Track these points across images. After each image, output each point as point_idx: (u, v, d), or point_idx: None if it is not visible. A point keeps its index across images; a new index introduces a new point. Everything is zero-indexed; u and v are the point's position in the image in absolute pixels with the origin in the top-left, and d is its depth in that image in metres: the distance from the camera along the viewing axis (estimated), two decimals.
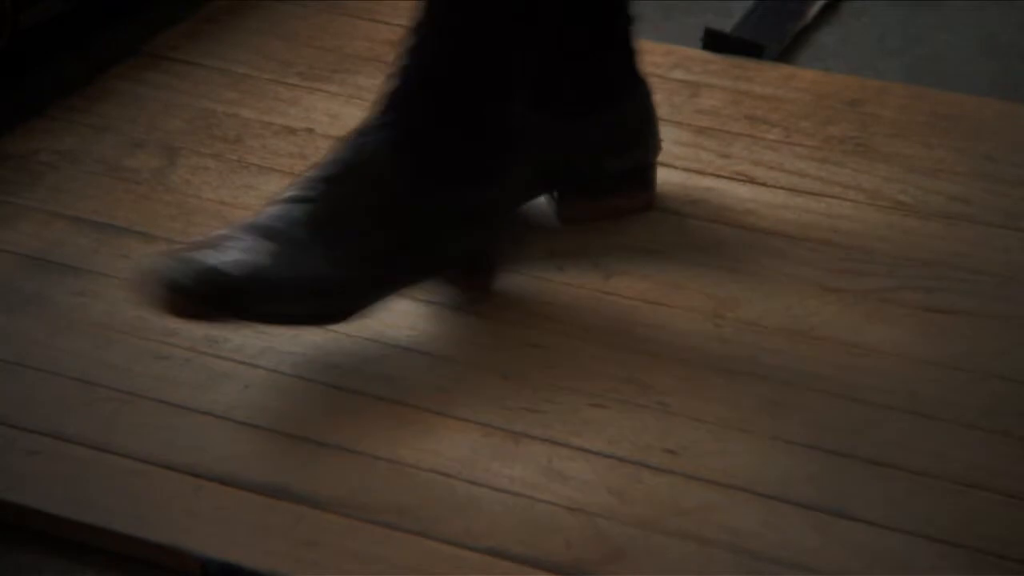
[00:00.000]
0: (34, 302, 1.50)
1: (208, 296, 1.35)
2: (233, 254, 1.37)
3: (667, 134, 1.65)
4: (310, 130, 1.72)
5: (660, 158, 1.62)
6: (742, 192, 1.64)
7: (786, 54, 1.90)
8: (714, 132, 1.72)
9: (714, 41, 1.86)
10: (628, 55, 1.57)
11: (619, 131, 1.57)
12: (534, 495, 1.32)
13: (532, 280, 1.53)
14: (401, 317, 1.48)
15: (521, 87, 1.45)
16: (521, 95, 1.46)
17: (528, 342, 1.47)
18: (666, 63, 1.83)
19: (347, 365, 1.43)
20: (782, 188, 1.66)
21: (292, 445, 1.35)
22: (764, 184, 1.66)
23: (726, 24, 1.91)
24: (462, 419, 1.38)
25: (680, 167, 1.67)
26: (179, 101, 1.76)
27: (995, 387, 1.43)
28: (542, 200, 1.59)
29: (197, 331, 1.46)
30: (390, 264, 1.42)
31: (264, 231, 1.39)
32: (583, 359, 1.44)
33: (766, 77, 1.82)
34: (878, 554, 1.28)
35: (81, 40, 1.80)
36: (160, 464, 1.33)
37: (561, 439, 1.37)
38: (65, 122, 1.72)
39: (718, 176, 1.66)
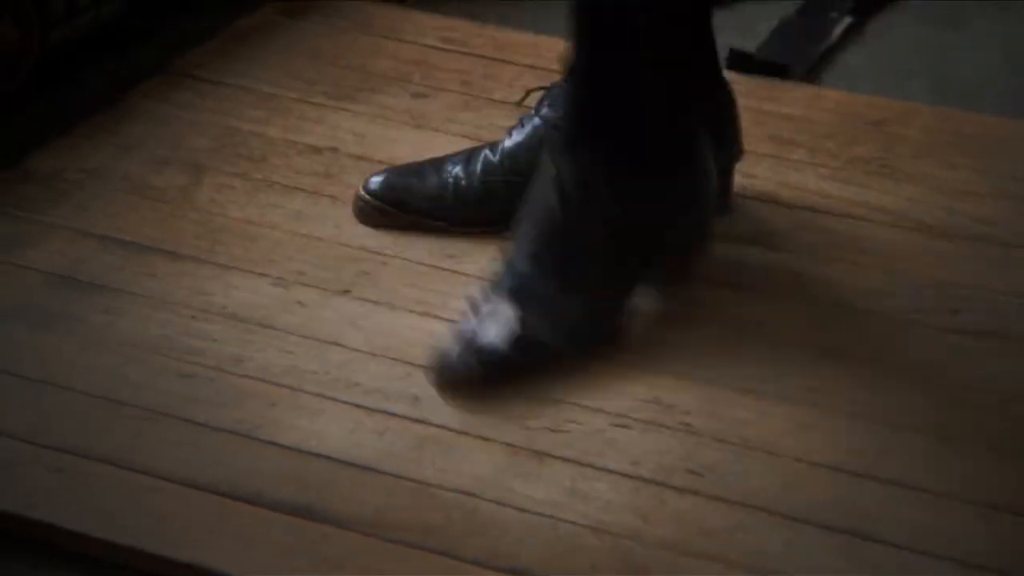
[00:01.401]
0: (60, 320, 1.50)
1: (486, 377, 1.41)
2: (496, 331, 1.41)
3: None
4: (335, 149, 1.73)
5: None
6: (766, 213, 1.64)
7: (811, 74, 1.90)
8: None
9: (739, 61, 1.86)
10: (712, 55, 1.59)
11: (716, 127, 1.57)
12: (557, 515, 1.32)
13: None
14: (425, 337, 1.48)
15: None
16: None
17: (551, 362, 1.47)
18: None
19: (371, 385, 1.43)
20: (807, 208, 1.66)
21: (316, 464, 1.36)
22: (789, 205, 1.66)
23: (751, 44, 1.91)
24: (485, 439, 1.38)
25: None
26: (205, 120, 1.76)
27: (1019, 409, 1.42)
28: None
29: (222, 350, 1.46)
30: (619, 284, 1.46)
31: (507, 295, 1.43)
32: (606, 378, 1.44)
33: (791, 97, 1.82)
34: (900, 575, 1.28)
35: (108, 59, 1.81)
36: (184, 482, 1.33)
37: (584, 459, 1.37)
38: (92, 140, 1.73)
39: (743, 196, 1.65)
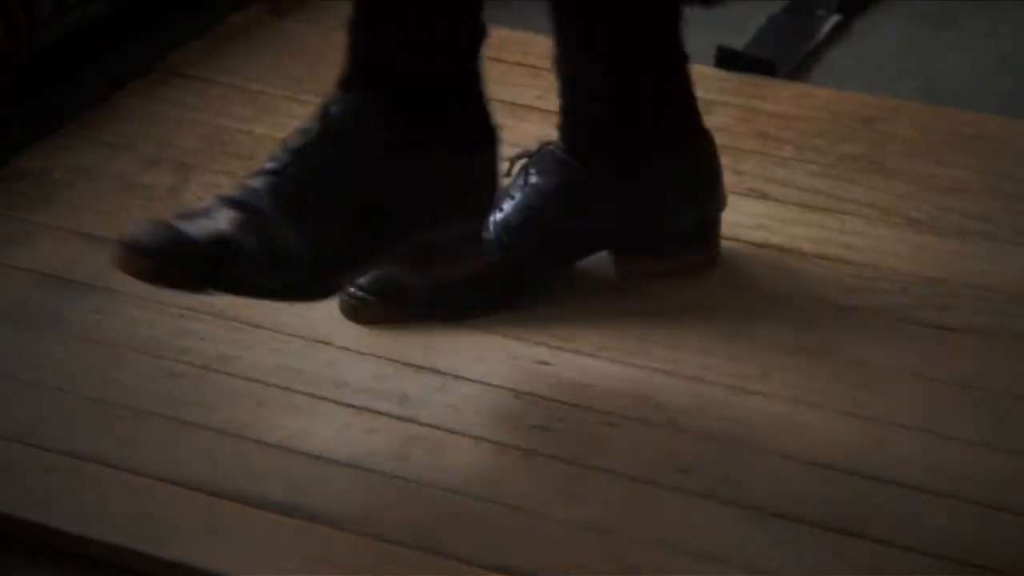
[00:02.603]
0: (50, 320, 1.50)
1: (169, 257, 1.33)
2: (202, 223, 1.35)
3: None
4: None
5: None
6: (755, 208, 1.64)
7: (799, 72, 1.91)
8: (727, 149, 1.72)
9: (727, 59, 1.86)
10: (687, 108, 1.54)
11: (679, 187, 1.53)
12: (546, 513, 1.32)
13: (542, 298, 1.53)
14: (414, 336, 1.48)
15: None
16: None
17: (539, 360, 1.47)
18: None
19: (359, 384, 1.43)
20: (795, 205, 1.66)
21: (305, 463, 1.36)
22: (777, 200, 1.66)
23: (739, 42, 1.91)
24: (475, 437, 1.38)
25: None
26: (194, 118, 1.76)
27: (1009, 405, 1.43)
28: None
29: (210, 349, 1.46)
30: (362, 235, 1.38)
31: (233, 203, 1.36)
32: (595, 377, 1.45)
33: (779, 95, 1.82)
34: (892, 574, 1.27)
35: (96, 58, 1.80)
36: (174, 481, 1.33)
37: (573, 457, 1.37)
38: (80, 139, 1.73)
39: (731, 192, 1.66)
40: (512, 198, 1.53)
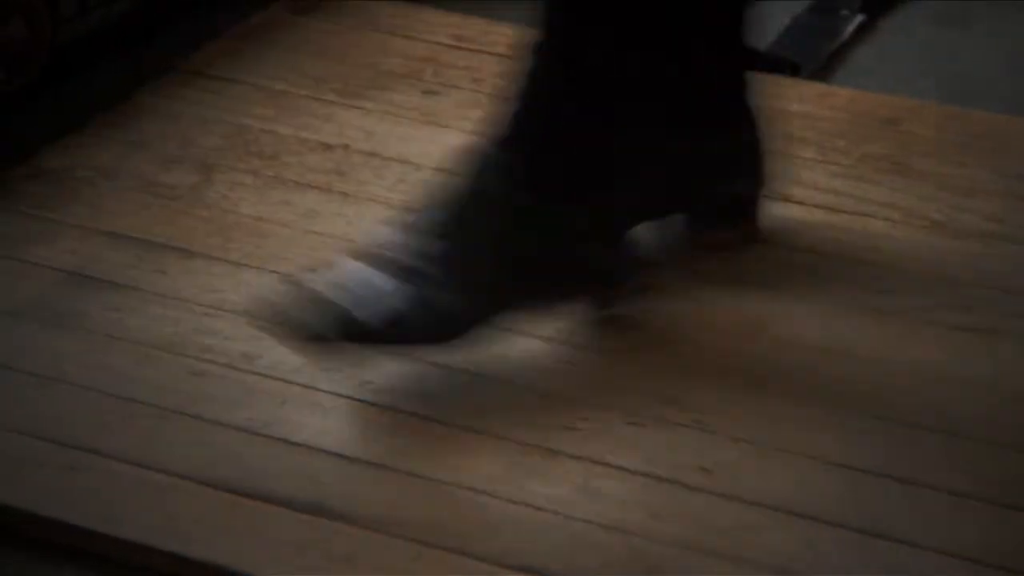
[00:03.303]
0: (71, 318, 1.50)
1: (346, 341, 1.38)
2: (371, 301, 1.38)
3: None
4: (346, 146, 1.73)
5: None
6: (777, 211, 1.64)
7: (822, 72, 1.90)
8: None
9: (751, 63, 1.86)
10: (740, 83, 1.56)
11: (727, 157, 1.55)
12: (570, 513, 1.32)
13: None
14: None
15: (642, 109, 1.46)
16: (640, 116, 1.46)
17: (564, 359, 1.47)
18: None
19: (382, 382, 1.43)
20: (817, 206, 1.66)
21: (328, 461, 1.36)
22: (799, 202, 1.66)
23: (761, 42, 1.91)
24: (498, 436, 1.38)
25: None
26: (215, 117, 1.76)
27: None
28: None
29: (233, 347, 1.46)
30: (509, 289, 1.42)
31: (407, 275, 1.39)
32: (619, 377, 1.44)
33: (801, 95, 1.82)
34: (913, 574, 1.27)
35: (118, 57, 1.81)
36: (196, 480, 1.33)
37: (597, 457, 1.37)
38: (102, 138, 1.73)
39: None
40: None
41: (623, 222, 1.49)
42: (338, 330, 1.38)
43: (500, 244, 1.42)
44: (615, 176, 1.46)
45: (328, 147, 1.72)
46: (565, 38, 1.44)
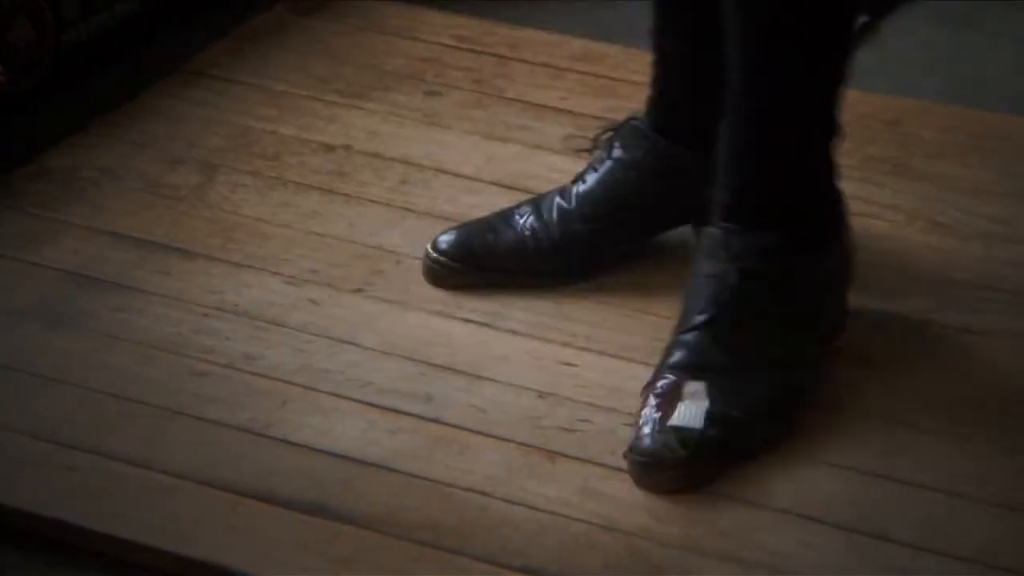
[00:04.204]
0: (74, 318, 1.50)
1: (692, 462, 1.34)
2: (692, 411, 1.35)
3: None
4: (348, 147, 1.73)
5: None
6: None
7: None
8: None
9: None
10: None
11: None
12: (570, 514, 1.31)
13: (567, 298, 1.53)
14: (438, 336, 1.48)
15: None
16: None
17: (564, 361, 1.47)
18: None
19: (384, 384, 1.43)
20: None
21: (329, 462, 1.36)
22: None
23: None
24: (498, 438, 1.38)
25: None
26: (218, 118, 1.76)
27: None
28: None
29: (234, 348, 1.47)
30: (809, 347, 1.42)
31: (688, 369, 1.37)
32: (619, 378, 1.44)
33: None
34: (914, 574, 1.27)
35: (122, 58, 1.81)
36: (197, 480, 1.33)
37: (597, 458, 1.37)
38: (106, 139, 1.73)
39: None
40: (595, 170, 1.54)
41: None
42: (676, 443, 1.34)
43: (783, 314, 1.40)
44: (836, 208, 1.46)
45: (330, 148, 1.73)
46: None
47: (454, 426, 1.39)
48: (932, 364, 1.47)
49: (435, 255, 1.53)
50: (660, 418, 1.35)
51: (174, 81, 1.82)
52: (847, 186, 1.68)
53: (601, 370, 1.45)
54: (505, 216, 1.55)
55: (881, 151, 1.73)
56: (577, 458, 1.37)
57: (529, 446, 1.37)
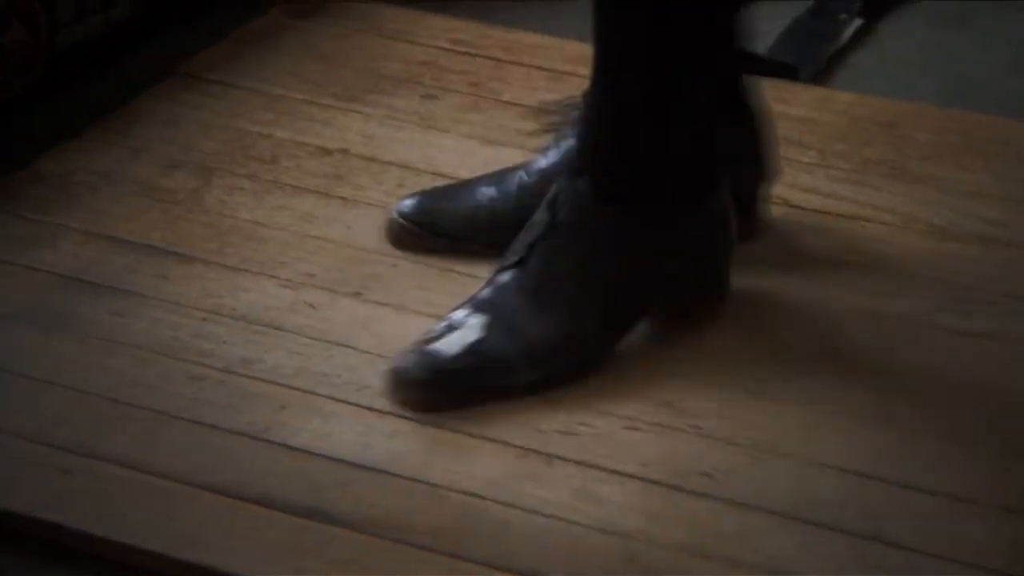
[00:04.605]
0: (70, 321, 1.50)
1: (432, 384, 1.39)
2: (455, 338, 1.40)
3: None
4: (344, 151, 1.72)
5: None
6: (777, 214, 1.64)
7: (821, 76, 1.90)
8: None
9: (749, 63, 1.86)
10: (739, 82, 1.56)
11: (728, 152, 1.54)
12: (568, 517, 1.31)
13: None
14: None
15: (707, 112, 1.45)
16: (709, 121, 1.45)
17: None
18: None
19: (381, 387, 1.43)
20: (817, 211, 1.66)
21: (326, 465, 1.36)
22: (799, 207, 1.66)
23: (761, 46, 1.90)
24: (496, 441, 1.38)
25: None
26: (214, 122, 1.76)
27: None
28: None
29: (231, 352, 1.46)
30: (606, 314, 1.43)
31: (479, 305, 1.42)
32: (616, 382, 1.44)
33: (801, 99, 1.82)
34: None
35: (117, 62, 1.81)
36: (193, 484, 1.33)
37: (594, 462, 1.36)
38: (101, 142, 1.73)
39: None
40: (558, 146, 1.55)
41: (687, 231, 1.47)
42: (424, 368, 1.39)
43: (583, 268, 1.42)
44: (681, 183, 1.46)
45: (326, 151, 1.72)
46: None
47: (451, 430, 1.39)
48: (928, 366, 1.47)
49: (395, 217, 1.58)
50: (424, 341, 1.40)
51: (169, 85, 1.82)
52: (843, 189, 1.69)
53: (599, 374, 1.45)
54: (469, 185, 1.58)
55: (877, 154, 1.74)
56: (574, 461, 1.36)
57: (526, 449, 1.37)
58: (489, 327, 1.41)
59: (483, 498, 1.33)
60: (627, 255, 1.43)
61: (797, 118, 1.78)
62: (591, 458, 1.37)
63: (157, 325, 1.50)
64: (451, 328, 1.41)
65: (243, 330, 1.49)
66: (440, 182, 1.65)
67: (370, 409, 1.41)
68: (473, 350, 1.40)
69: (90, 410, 1.41)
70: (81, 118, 1.74)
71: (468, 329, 1.41)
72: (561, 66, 1.83)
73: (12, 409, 1.41)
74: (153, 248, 1.59)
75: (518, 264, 1.43)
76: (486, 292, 1.43)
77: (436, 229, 1.57)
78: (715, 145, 1.46)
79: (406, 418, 1.40)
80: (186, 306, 1.52)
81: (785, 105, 1.80)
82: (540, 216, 1.44)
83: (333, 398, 1.42)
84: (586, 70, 1.45)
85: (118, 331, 1.49)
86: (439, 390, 1.40)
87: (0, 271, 1.56)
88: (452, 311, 1.44)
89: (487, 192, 1.57)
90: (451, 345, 1.40)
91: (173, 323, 1.50)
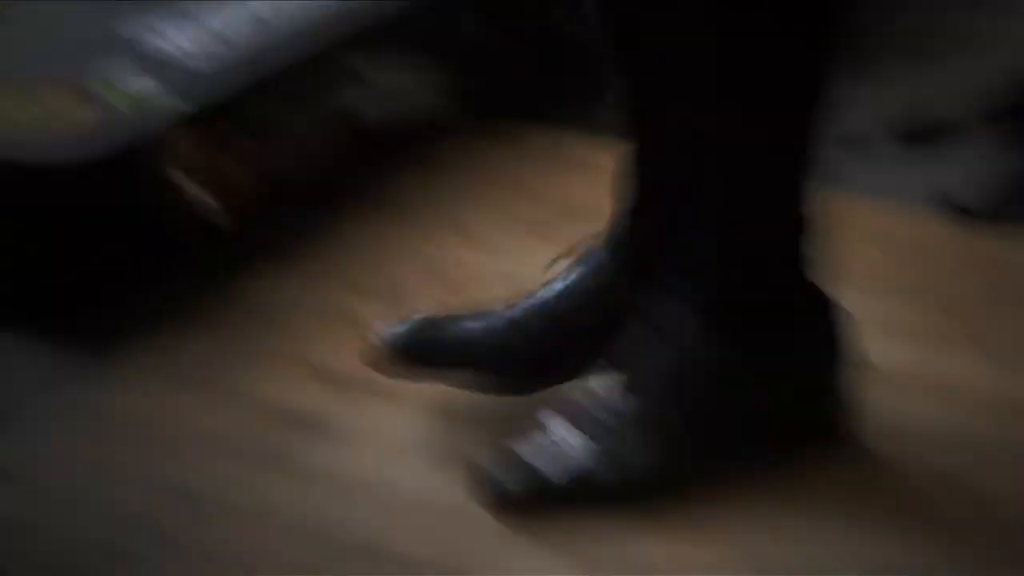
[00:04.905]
0: (273, 453, 1.51)
1: (536, 502, 1.39)
2: (559, 460, 1.39)
3: None
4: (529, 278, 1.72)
5: None
6: None
7: None
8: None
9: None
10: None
11: None
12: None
13: None
14: None
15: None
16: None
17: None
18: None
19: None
20: None
21: None
22: None
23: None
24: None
25: None
26: (405, 247, 1.77)
27: None
28: None
29: None
30: (708, 441, 1.41)
31: (580, 421, 1.40)
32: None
33: None
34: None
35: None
36: None
37: None
38: (295, 267, 1.74)
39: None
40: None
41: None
42: (526, 487, 1.39)
43: (697, 401, 1.41)
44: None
45: (511, 278, 1.70)
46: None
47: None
48: (929, 369, 1.48)
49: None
50: (518, 444, 1.39)
51: (361, 208, 1.83)
52: None
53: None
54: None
55: None
56: None
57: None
58: (596, 458, 1.39)
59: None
60: (742, 390, 1.41)
61: None
62: None
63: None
64: (551, 442, 1.40)
65: None
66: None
67: None
68: (581, 480, 1.39)
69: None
70: (279, 243, 1.76)
71: (570, 449, 1.39)
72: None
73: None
74: (352, 378, 1.58)
75: (617, 380, 1.40)
76: (583, 401, 1.41)
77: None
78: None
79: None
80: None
81: None
82: (639, 331, 1.40)
83: None
84: None
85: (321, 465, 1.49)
86: (536, 503, 1.39)
87: (203, 400, 1.58)
88: (544, 413, 1.41)
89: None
90: (555, 467, 1.39)
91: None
